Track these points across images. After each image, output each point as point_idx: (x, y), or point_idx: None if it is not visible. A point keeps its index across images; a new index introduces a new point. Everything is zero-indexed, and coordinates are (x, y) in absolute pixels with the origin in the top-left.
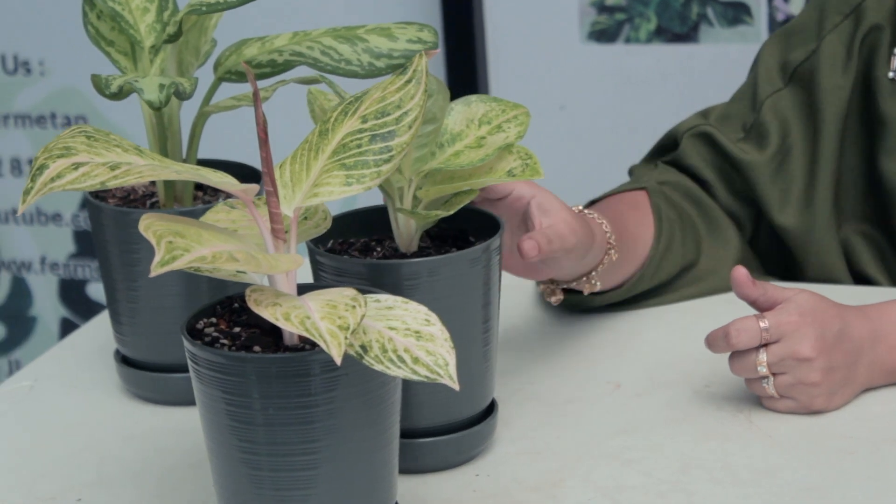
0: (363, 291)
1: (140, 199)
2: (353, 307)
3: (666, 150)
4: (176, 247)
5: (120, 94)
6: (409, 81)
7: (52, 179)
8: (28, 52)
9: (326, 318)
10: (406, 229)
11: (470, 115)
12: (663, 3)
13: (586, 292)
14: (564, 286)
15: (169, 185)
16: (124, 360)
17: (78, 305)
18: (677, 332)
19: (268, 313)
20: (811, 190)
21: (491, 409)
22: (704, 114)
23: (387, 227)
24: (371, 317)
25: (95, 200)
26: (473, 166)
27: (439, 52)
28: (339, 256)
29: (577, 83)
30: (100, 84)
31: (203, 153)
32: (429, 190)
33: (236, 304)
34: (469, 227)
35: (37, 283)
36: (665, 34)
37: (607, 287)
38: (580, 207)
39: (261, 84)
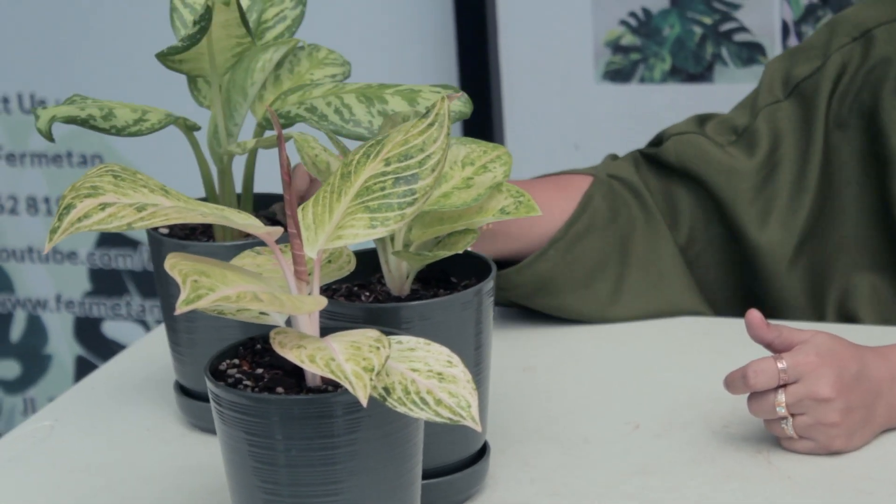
0: (386, 333)
1: (200, 230)
2: (378, 349)
3: (652, 146)
4: (201, 286)
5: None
6: (431, 125)
7: (79, 219)
8: (44, 91)
9: (351, 360)
10: (398, 272)
11: (452, 157)
12: (678, 43)
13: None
14: None
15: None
16: (183, 391)
17: (93, 343)
18: (695, 371)
19: (293, 355)
20: (793, 209)
21: (483, 451)
22: (701, 120)
23: (365, 272)
24: (393, 358)
25: (156, 233)
26: (467, 206)
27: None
28: (335, 301)
29: (592, 123)
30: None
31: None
32: (421, 232)
33: (259, 346)
34: (449, 268)
35: (52, 321)
36: (680, 74)
37: (501, 256)
38: None
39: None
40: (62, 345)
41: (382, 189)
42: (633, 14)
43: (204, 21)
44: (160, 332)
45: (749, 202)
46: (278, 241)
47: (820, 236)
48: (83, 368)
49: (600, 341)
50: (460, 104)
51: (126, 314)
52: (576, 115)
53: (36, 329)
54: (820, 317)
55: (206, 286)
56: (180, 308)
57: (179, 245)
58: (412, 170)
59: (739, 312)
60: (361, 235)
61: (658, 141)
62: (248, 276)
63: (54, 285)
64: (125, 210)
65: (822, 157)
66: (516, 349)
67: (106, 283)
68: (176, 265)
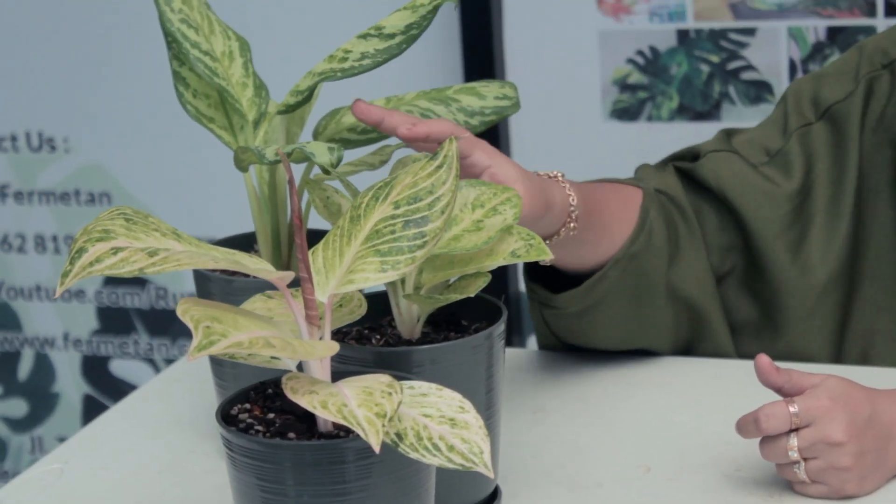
0: (398, 378)
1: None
2: (390, 394)
3: (682, 160)
4: (213, 332)
5: (279, 161)
6: (440, 167)
7: (91, 263)
8: (52, 130)
9: (363, 406)
10: (409, 316)
11: (462, 200)
12: (685, 82)
13: (544, 263)
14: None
15: (276, 251)
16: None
17: (101, 382)
18: (706, 413)
19: (305, 401)
20: (828, 236)
21: (494, 496)
22: (727, 135)
23: (375, 315)
24: (406, 404)
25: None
26: (478, 249)
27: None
28: (346, 344)
29: (600, 160)
30: (251, 155)
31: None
32: (431, 275)
33: (270, 390)
34: (459, 311)
35: (60, 359)
36: (687, 112)
37: (563, 265)
38: (554, 173)
39: (366, 150)
40: (70, 383)
41: (392, 232)
42: (640, 52)
43: (307, 93)
44: (170, 372)
45: (778, 234)
46: (290, 285)
47: (849, 271)
48: (91, 407)
49: (611, 383)
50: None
51: (134, 353)
52: (583, 152)
53: (43, 367)
54: (838, 356)
55: (218, 332)
56: (192, 355)
57: (225, 280)
58: (422, 212)
59: (749, 348)
60: (372, 279)
61: (691, 156)
62: (260, 321)
63: (62, 324)
64: (137, 255)
65: (857, 182)
66: (526, 392)
67: (114, 321)
68: (188, 311)
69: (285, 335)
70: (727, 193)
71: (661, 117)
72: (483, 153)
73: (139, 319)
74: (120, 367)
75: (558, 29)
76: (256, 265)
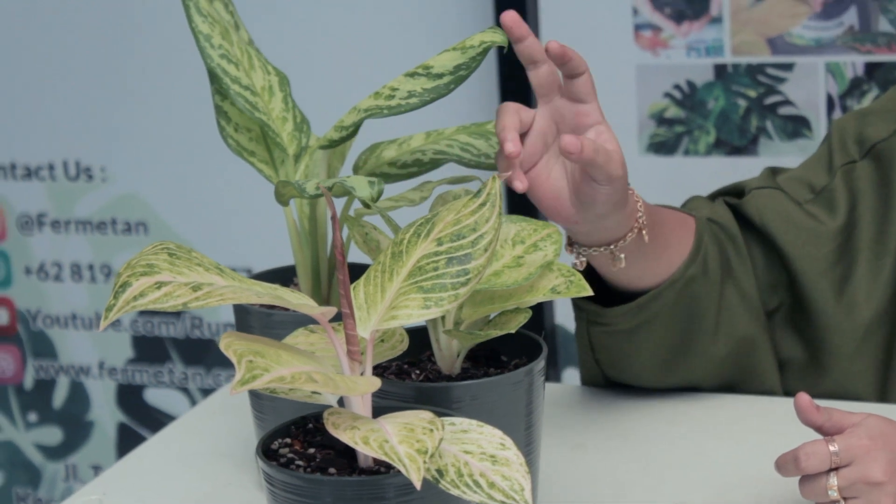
0: (438, 414)
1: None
2: (431, 430)
3: (728, 195)
4: (256, 366)
5: (319, 195)
6: (483, 204)
7: (135, 298)
8: (90, 159)
9: (405, 442)
10: (449, 351)
11: (502, 236)
12: (722, 116)
13: (614, 268)
14: (586, 251)
15: (316, 285)
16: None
17: (135, 411)
18: (745, 451)
19: (346, 437)
20: (874, 273)
21: None
22: (773, 172)
23: (415, 350)
24: (446, 440)
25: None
26: (518, 285)
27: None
28: (386, 378)
29: None
30: (292, 189)
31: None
32: (472, 311)
33: (311, 425)
34: (499, 346)
35: (94, 387)
36: (724, 147)
37: (617, 281)
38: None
39: (407, 184)
40: (104, 412)
41: (435, 269)
42: (677, 86)
43: (352, 129)
44: (208, 404)
45: (822, 273)
46: (332, 320)
47: (894, 309)
48: (125, 435)
49: (650, 419)
50: (496, 35)
51: (168, 382)
52: None
53: (78, 396)
54: (883, 395)
55: (260, 367)
56: (235, 389)
57: (265, 314)
58: (465, 250)
59: (794, 386)
60: (415, 316)
61: (737, 192)
62: (302, 355)
63: (97, 352)
64: (181, 289)
65: None
66: (565, 427)
67: (149, 350)
68: (231, 345)
69: (327, 370)
70: (771, 231)
71: (698, 152)
72: (598, 112)
73: (174, 348)
74: (155, 396)
75: (595, 63)
76: (299, 300)
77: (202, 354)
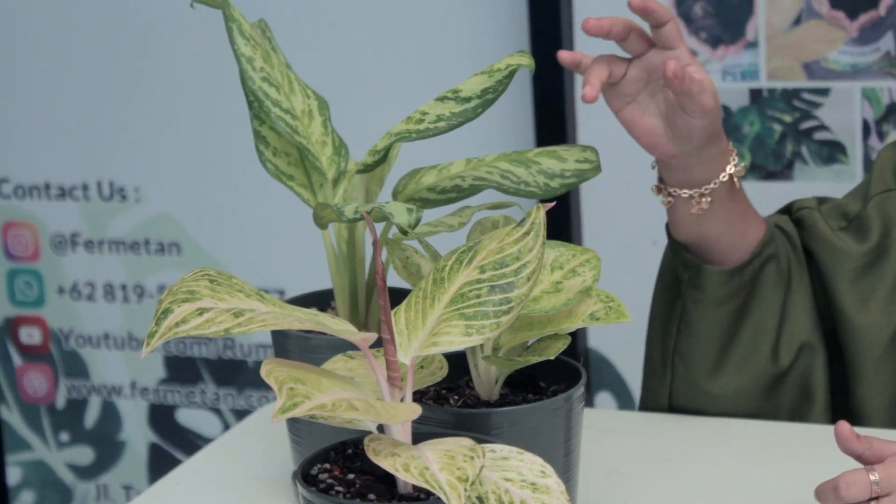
0: (478, 441)
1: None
2: (472, 458)
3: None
4: (297, 393)
5: (357, 219)
6: (527, 233)
7: (177, 324)
8: (123, 179)
9: (445, 469)
10: (487, 377)
11: None
12: (757, 141)
13: (694, 210)
14: (676, 192)
15: (354, 309)
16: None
17: (167, 431)
18: (783, 478)
19: (387, 464)
20: (893, 300)
21: None
22: (820, 201)
23: (453, 375)
24: (487, 467)
25: None
26: (557, 311)
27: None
28: (425, 403)
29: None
30: (330, 213)
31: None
32: (510, 337)
33: (350, 450)
34: (537, 372)
35: (126, 407)
36: (759, 171)
37: (714, 242)
38: None
39: (446, 209)
40: (136, 432)
41: (478, 297)
42: None
43: (384, 153)
44: (243, 427)
45: (851, 281)
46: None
47: None
48: (156, 456)
49: (686, 445)
50: (523, 58)
51: (200, 402)
52: (654, 211)
53: (110, 415)
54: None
55: (302, 394)
56: (277, 416)
57: (304, 338)
58: (507, 278)
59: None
60: (457, 343)
61: (785, 211)
62: (343, 382)
63: (129, 372)
64: (222, 315)
65: None
66: (601, 453)
67: (181, 370)
68: (272, 372)
69: (368, 397)
70: (810, 246)
71: None
72: (688, 51)
73: (206, 369)
74: (186, 417)
75: None
76: (340, 326)
77: (234, 375)
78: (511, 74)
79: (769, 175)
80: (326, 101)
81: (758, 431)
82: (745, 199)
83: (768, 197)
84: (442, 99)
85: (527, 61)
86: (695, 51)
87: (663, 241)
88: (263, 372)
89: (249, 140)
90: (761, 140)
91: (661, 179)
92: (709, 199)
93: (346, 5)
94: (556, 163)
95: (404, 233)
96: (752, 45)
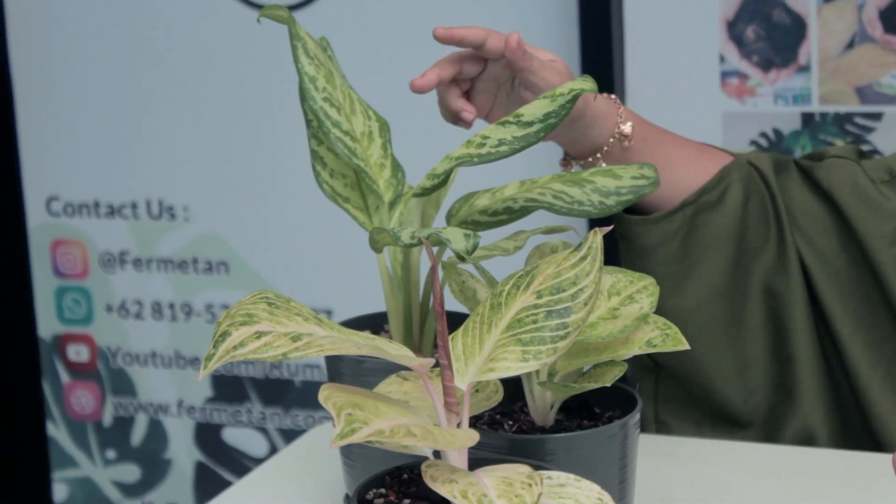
0: (535, 467)
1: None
2: (530, 485)
3: (810, 159)
4: (355, 419)
5: (414, 244)
6: (584, 258)
7: (235, 347)
8: (173, 198)
9: (503, 497)
10: (542, 402)
11: None
12: None
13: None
14: (578, 163)
15: (408, 333)
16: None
17: (213, 450)
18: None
19: (445, 490)
20: None
21: None
22: (860, 153)
23: (507, 400)
24: (544, 494)
25: None
26: (613, 337)
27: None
28: (479, 428)
29: None
30: (386, 237)
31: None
32: (566, 362)
33: (405, 475)
34: (592, 398)
35: (173, 426)
36: None
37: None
38: (611, 95)
39: (501, 232)
40: (182, 450)
41: (534, 322)
42: (763, 134)
43: (444, 177)
44: (293, 448)
45: (886, 247)
46: None
47: None
48: (202, 474)
49: (739, 472)
50: (586, 83)
51: (247, 421)
52: None
53: (157, 433)
54: None
55: (360, 420)
56: (335, 443)
57: (357, 361)
58: (565, 303)
59: (859, 354)
60: (514, 369)
61: (817, 157)
62: (399, 407)
63: (176, 390)
64: (280, 339)
65: None
66: (653, 478)
67: (227, 389)
68: (330, 397)
69: (425, 423)
70: (837, 198)
71: None
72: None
73: (253, 388)
74: (232, 436)
75: (682, 110)
76: (398, 352)
77: (281, 394)
78: (574, 99)
79: None
80: (387, 122)
81: (813, 459)
82: (663, 149)
83: None
84: (503, 123)
85: (589, 86)
86: (746, 74)
87: None
88: (321, 397)
89: (298, 159)
90: None
91: (565, 153)
92: (603, 162)
93: (396, 22)
94: (612, 181)
95: (461, 258)
96: (805, 68)
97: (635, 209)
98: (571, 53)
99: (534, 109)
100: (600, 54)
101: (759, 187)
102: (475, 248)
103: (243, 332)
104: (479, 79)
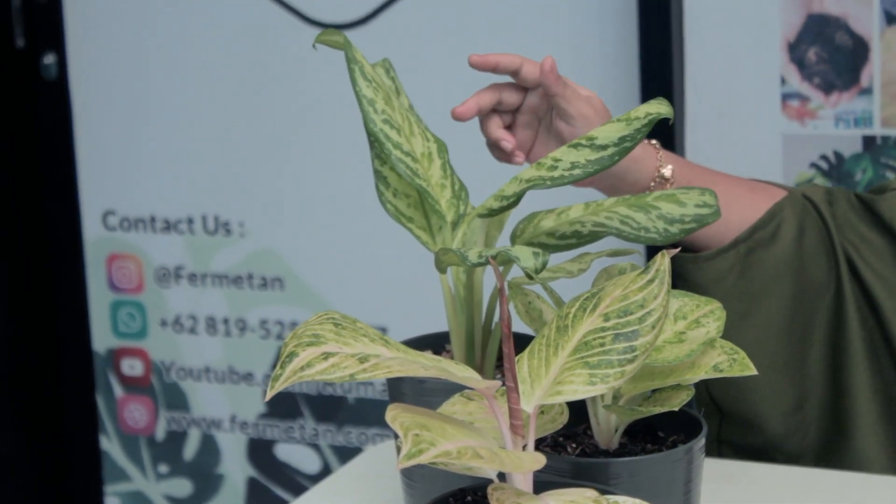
0: (600, 492)
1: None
2: None
3: (873, 192)
4: (423, 440)
5: (481, 264)
6: (651, 281)
7: (302, 368)
8: (228, 214)
9: None
10: (607, 425)
11: None
12: (870, 188)
13: None
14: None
15: (470, 353)
16: None
17: (265, 466)
18: None
19: None
20: None
21: None
22: None
23: (571, 422)
24: None
25: None
26: (680, 361)
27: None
28: (543, 451)
29: None
30: (452, 257)
31: None
32: (632, 386)
33: (469, 497)
34: (656, 421)
35: (226, 441)
36: None
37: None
38: (652, 141)
39: (564, 255)
40: (235, 465)
41: (602, 345)
42: (824, 157)
43: (514, 199)
44: (351, 466)
45: None
46: None
47: None
48: (255, 490)
49: (807, 496)
50: (662, 107)
51: (300, 437)
52: None
53: (209, 448)
54: None
55: (427, 440)
56: (402, 463)
57: (418, 380)
58: (632, 326)
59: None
60: (581, 392)
61: (880, 189)
62: (466, 428)
63: (229, 405)
64: (348, 360)
65: None
66: (716, 503)
67: (281, 405)
68: (397, 417)
69: (491, 445)
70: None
71: None
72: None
73: (306, 404)
74: (285, 452)
75: (742, 132)
76: (464, 374)
77: (334, 411)
78: (650, 123)
79: None
80: (445, 143)
81: (886, 486)
82: (715, 187)
83: None
84: (575, 146)
85: (665, 110)
86: (807, 96)
87: None
88: (388, 417)
89: (353, 177)
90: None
91: None
92: None
93: (453, 39)
94: (676, 207)
95: (530, 277)
96: (867, 91)
97: (688, 247)
98: (631, 75)
99: (608, 132)
100: (660, 77)
101: (815, 221)
102: (544, 266)
103: (310, 352)
104: (520, 111)
